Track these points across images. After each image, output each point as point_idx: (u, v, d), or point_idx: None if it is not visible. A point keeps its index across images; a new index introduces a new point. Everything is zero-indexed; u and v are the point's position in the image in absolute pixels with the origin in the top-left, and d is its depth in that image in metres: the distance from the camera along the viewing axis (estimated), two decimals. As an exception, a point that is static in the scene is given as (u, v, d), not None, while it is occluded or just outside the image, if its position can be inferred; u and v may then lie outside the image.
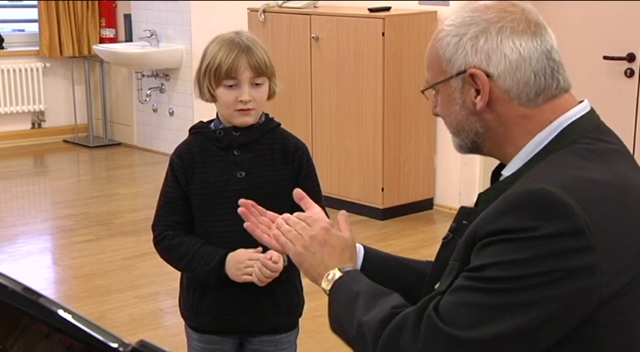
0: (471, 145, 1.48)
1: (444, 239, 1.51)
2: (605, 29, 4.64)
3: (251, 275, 2.09)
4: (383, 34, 4.99)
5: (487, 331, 1.27)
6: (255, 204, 1.77)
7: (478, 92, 1.41)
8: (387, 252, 1.75)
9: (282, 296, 2.23)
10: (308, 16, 5.40)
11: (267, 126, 2.23)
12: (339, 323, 1.47)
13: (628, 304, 1.31)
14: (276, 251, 1.69)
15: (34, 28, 7.38)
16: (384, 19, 5.00)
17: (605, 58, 4.63)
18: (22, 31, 7.58)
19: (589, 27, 4.69)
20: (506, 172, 1.45)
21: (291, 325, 2.29)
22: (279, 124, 2.27)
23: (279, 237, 1.61)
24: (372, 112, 5.13)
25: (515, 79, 1.39)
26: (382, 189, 5.22)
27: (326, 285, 1.51)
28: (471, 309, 1.29)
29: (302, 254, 1.56)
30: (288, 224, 1.61)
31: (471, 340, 1.28)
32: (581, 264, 1.25)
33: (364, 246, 1.68)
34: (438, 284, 1.42)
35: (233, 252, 2.13)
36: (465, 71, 1.41)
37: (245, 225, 1.74)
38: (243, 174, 2.18)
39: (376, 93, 5.08)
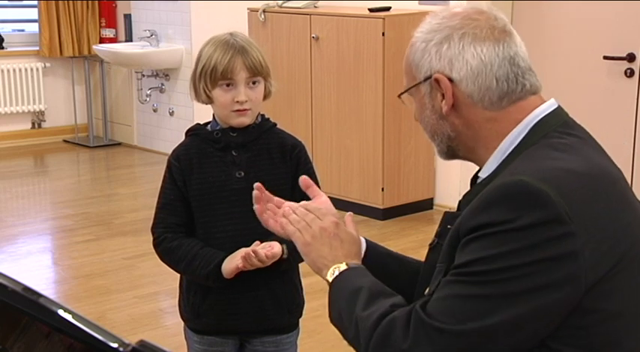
0: (447, 150, 1.53)
1: (430, 244, 1.55)
2: (605, 29, 4.64)
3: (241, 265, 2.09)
4: (383, 34, 4.99)
5: (476, 323, 1.29)
6: (262, 187, 1.77)
7: (444, 96, 1.46)
8: (387, 248, 1.75)
9: (283, 294, 2.23)
10: (308, 16, 5.40)
11: (264, 127, 2.24)
12: (338, 316, 1.48)
13: (613, 289, 1.33)
14: (281, 236, 1.69)
15: (34, 28, 7.38)
16: (384, 19, 5.00)
17: (605, 57, 4.63)
18: (22, 31, 7.58)
19: (589, 27, 4.69)
20: (483, 174, 1.48)
21: (292, 325, 2.29)
22: (275, 124, 2.27)
23: (287, 226, 1.61)
24: (372, 112, 5.13)
25: (477, 83, 1.44)
26: (382, 189, 5.22)
27: (330, 276, 1.52)
28: (459, 302, 1.31)
29: (310, 244, 1.57)
30: (296, 214, 1.61)
31: (460, 332, 1.29)
32: (563, 251, 1.28)
33: (367, 240, 1.70)
34: (427, 289, 1.44)
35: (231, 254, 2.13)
36: (430, 76, 1.47)
37: (255, 207, 1.74)
38: (242, 173, 2.19)
39: (376, 93, 5.08)
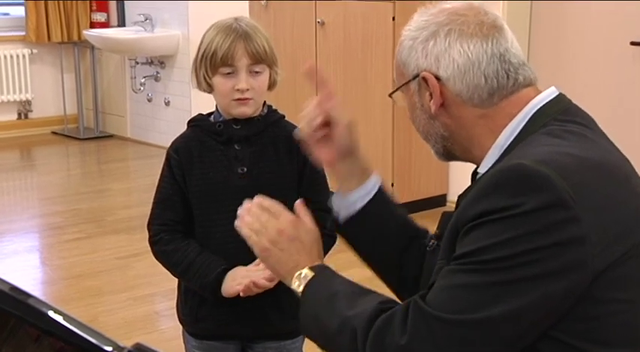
0: (443, 150, 1.56)
1: (429, 247, 1.55)
2: (632, 14, 4.63)
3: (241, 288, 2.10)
4: (393, 19, 4.99)
5: (479, 313, 1.30)
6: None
7: (432, 95, 1.49)
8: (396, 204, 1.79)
9: (287, 299, 2.22)
10: (313, 0, 5.40)
11: (270, 118, 2.23)
12: (315, 323, 1.49)
13: (625, 278, 1.34)
14: None
15: (19, 11, 7.38)
16: (394, 2, 5.00)
17: (633, 43, 4.62)
18: (7, 14, 7.58)
19: (616, 12, 4.67)
20: (482, 169, 1.50)
21: (297, 331, 2.28)
22: (284, 116, 2.26)
23: (241, 229, 1.63)
24: (381, 102, 5.12)
25: (465, 82, 1.47)
26: (392, 185, 5.22)
27: (297, 286, 1.54)
28: (461, 292, 1.32)
29: (268, 249, 1.59)
30: (249, 215, 1.62)
31: (462, 322, 1.30)
32: (569, 236, 1.29)
33: (380, 183, 1.76)
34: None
35: (231, 270, 2.13)
36: (418, 75, 1.50)
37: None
38: (245, 169, 2.18)
39: (386, 81, 5.07)
